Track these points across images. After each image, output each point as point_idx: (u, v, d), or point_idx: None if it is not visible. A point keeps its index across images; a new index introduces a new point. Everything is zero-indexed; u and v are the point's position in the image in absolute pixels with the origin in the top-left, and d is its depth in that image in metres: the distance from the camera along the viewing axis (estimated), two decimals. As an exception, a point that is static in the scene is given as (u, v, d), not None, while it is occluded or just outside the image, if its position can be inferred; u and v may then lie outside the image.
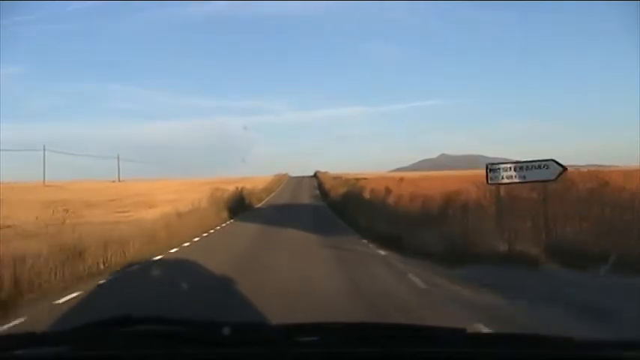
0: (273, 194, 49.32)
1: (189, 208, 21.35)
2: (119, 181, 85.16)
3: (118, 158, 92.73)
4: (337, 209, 27.09)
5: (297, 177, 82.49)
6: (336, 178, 56.87)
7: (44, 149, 75.80)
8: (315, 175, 78.27)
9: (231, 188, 35.00)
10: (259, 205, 35.33)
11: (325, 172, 76.61)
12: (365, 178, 45.49)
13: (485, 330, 5.05)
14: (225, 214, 23.66)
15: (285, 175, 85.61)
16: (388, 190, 23.19)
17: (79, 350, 1.61)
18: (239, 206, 28.75)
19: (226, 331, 1.59)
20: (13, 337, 1.78)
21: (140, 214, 27.11)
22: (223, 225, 20.88)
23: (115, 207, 34.27)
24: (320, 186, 54.49)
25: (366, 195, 26.05)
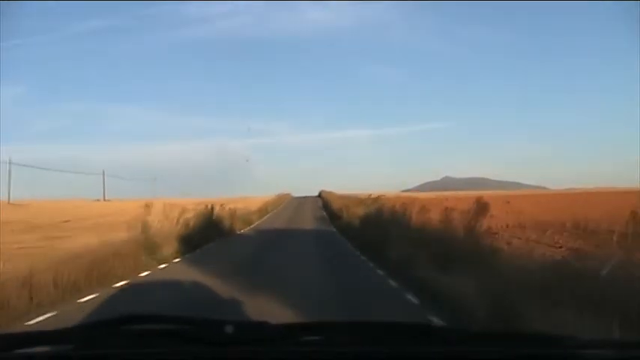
0: (268, 215, 40.51)
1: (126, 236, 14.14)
2: (104, 199, 77.96)
3: (104, 174, 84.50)
4: (360, 239, 17.06)
5: (301, 197, 78.37)
6: (344, 197, 48.79)
7: (9, 162, 67.18)
8: (320, 195, 73.56)
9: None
10: (244, 231, 26.54)
11: (330, 192, 69.29)
12: (383, 195, 34.17)
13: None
14: (171, 248, 14.91)
15: (288, 194, 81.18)
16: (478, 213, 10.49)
17: (80, 349, 1.60)
18: (210, 232, 20.05)
19: (229, 329, 1.55)
20: (13, 336, 1.75)
21: (76, 241, 19.38)
22: (143, 274, 11.53)
23: (57, 230, 28.02)
24: (326, 206, 46.60)
25: (416, 217, 15.00)
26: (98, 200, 75.80)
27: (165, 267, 12.77)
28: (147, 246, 13.84)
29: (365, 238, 16.37)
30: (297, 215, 39.74)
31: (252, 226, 29.66)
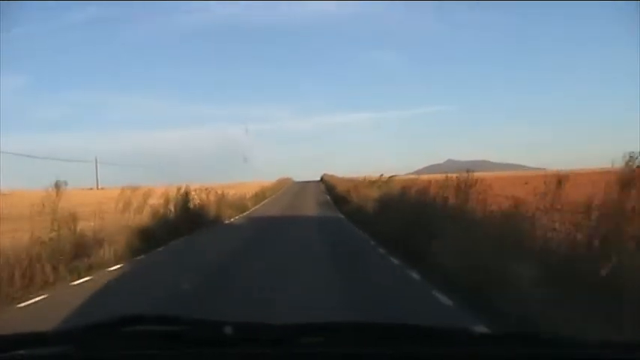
0: (265, 201, 36.73)
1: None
2: (97, 188, 74.20)
3: (96, 162, 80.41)
4: (383, 232, 12.70)
5: (303, 182, 74.85)
6: (349, 180, 43.13)
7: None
8: (322, 180, 69.99)
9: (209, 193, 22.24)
10: (233, 220, 22.46)
11: (332, 175, 64.28)
12: (395, 176, 26.77)
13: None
14: (115, 247, 10.81)
15: (288, 179, 77.51)
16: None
17: (81, 350, 1.59)
18: (186, 223, 16.03)
19: (229, 330, 1.53)
20: (14, 336, 1.66)
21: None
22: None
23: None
24: (330, 190, 43.01)
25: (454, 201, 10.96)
26: (91, 189, 72.12)
27: (81, 282, 8.68)
28: (76, 247, 9.76)
29: (389, 229, 11.92)
30: (298, 200, 36.59)
31: (244, 214, 25.71)
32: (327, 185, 51.49)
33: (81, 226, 10.78)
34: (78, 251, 9.80)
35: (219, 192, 24.63)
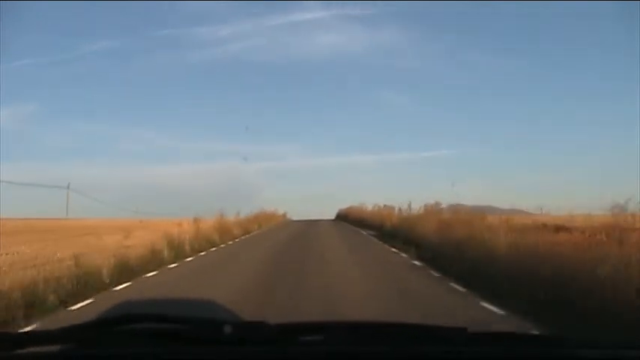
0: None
1: None
2: (66, 218, 69.69)
3: (68, 188, 75.21)
4: None
5: (306, 221, 45.26)
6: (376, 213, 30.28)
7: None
8: (341, 216, 47.06)
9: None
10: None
11: (352, 207, 44.81)
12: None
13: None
14: None
15: (278, 216, 47.77)
16: None
17: (80, 349, 1.60)
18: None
19: (227, 329, 1.53)
20: (12, 336, 1.76)
21: None
22: None
23: None
24: (390, 235, 20.68)
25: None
26: (59, 219, 67.41)
27: None
28: None
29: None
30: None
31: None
32: (362, 224, 31.61)
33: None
34: None
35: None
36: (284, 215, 50.83)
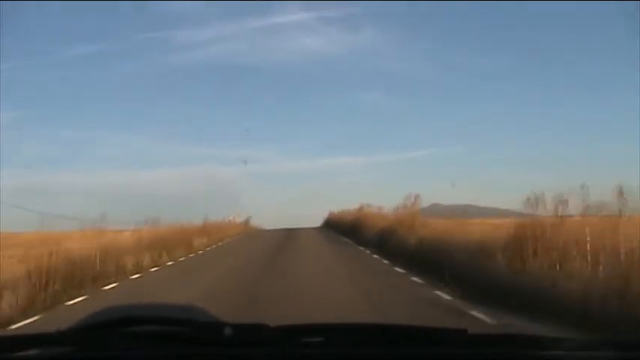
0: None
1: None
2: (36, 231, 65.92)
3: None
4: None
5: (283, 230, 34.00)
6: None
7: None
8: (333, 223, 36.12)
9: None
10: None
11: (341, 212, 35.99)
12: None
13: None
14: None
15: (234, 226, 35.68)
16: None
17: (80, 351, 1.59)
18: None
19: (227, 331, 1.54)
20: (12, 338, 1.71)
21: None
22: None
23: None
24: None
25: None
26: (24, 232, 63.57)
27: None
28: None
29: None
30: None
31: None
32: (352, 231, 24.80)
33: None
34: None
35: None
36: (246, 224, 38.45)
